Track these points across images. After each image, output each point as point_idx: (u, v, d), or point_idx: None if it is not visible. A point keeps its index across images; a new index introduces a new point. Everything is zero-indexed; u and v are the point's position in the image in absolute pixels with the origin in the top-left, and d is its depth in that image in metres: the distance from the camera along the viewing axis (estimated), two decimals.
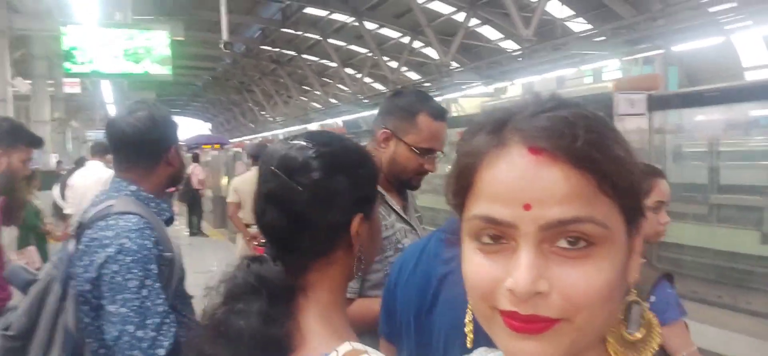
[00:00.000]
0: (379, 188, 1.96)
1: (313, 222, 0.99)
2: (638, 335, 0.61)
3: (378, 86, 24.45)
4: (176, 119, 1.95)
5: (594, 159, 0.54)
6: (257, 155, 6.24)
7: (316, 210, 0.99)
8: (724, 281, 5.07)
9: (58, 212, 6.72)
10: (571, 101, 0.59)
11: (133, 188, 1.73)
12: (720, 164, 5.91)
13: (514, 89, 15.69)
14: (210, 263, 7.77)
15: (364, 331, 1.60)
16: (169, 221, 1.82)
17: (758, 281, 4.86)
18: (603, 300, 0.54)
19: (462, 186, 0.60)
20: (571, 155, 0.54)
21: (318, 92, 27.17)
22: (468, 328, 0.69)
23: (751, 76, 14.00)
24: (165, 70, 9.86)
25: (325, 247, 1.02)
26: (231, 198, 6.20)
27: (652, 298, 1.68)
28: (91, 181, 6.09)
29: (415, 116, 1.90)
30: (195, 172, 12.16)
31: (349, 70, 23.47)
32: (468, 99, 17.92)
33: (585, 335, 0.55)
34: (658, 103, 4.96)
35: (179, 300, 1.77)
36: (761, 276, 4.87)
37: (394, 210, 1.96)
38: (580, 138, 0.54)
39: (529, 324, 0.54)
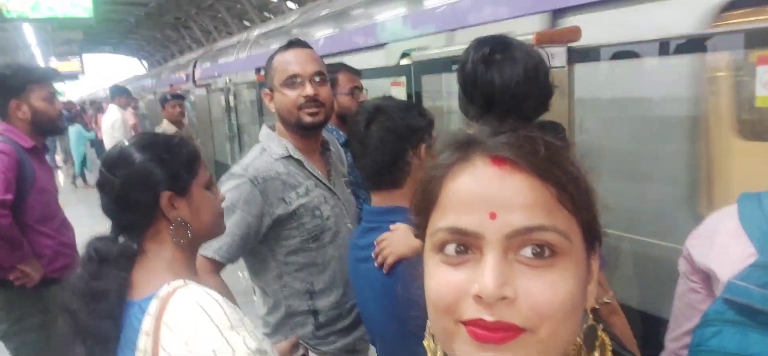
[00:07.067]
0: (298, 155, 1.89)
1: (129, 203, 1.23)
2: (595, 355, 0.63)
3: None
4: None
5: (554, 172, 0.56)
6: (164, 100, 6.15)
7: (130, 192, 1.22)
8: None
9: None
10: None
11: None
12: None
13: None
14: None
15: None
16: None
17: None
18: (566, 311, 0.54)
19: (427, 203, 0.61)
20: (532, 166, 0.55)
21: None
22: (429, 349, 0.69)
23: None
24: (84, 12, 9.23)
25: (147, 221, 1.24)
26: None
27: None
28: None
29: (271, 62, 1.90)
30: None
31: (292, 4, 22.65)
32: None
33: (548, 350, 0.55)
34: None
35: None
36: None
37: (313, 175, 1.92)
38: (541, 151, 0.56)
39: (494, 332, 0.53)
